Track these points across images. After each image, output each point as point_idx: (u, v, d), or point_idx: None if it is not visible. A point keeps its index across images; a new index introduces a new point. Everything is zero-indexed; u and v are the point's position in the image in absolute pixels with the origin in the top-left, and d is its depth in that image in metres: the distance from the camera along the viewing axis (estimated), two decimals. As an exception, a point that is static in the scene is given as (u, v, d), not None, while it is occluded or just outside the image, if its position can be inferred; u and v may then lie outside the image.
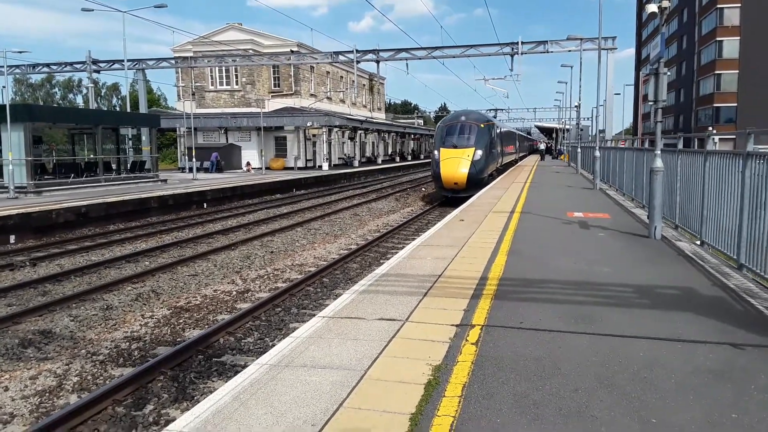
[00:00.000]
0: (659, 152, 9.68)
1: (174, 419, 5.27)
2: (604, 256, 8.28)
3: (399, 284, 6.62)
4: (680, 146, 10.42)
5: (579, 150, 33.01)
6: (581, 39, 31.42)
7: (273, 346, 6.39)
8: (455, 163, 22.47)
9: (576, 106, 37.70)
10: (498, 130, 28.43)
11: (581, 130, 39.34)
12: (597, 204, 15.41)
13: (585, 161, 31.00)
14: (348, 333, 4.95)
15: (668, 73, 9.47)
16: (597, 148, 22.56)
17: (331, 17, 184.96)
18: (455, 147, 22.97)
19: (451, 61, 34.71)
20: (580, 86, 45.22)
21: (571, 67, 39.10)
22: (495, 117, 42.34)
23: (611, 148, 22.07)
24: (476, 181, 22.52)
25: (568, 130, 59.43)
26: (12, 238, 15.41)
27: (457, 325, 5.13)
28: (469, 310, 5.59)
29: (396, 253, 8.77)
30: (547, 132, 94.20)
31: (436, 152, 23.74)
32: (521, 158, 55.53)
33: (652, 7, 9.33)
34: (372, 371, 4.14)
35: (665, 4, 9.19)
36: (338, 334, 4.93)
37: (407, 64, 34.98)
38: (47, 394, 6.12)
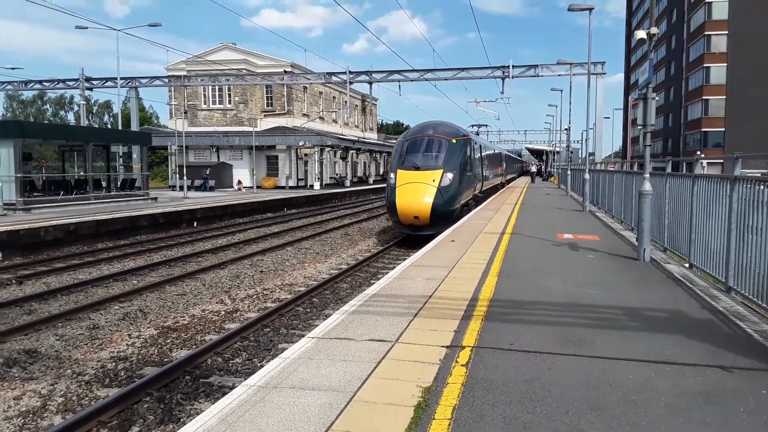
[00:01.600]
0: (648, 175, 9.78)
1: (159, 441, 5.20)
2: (594, 278, 8.30)
3: (389, 305, 6.59)
4: (669, 170, 10.53)
5: (569, 172, 33.27)
6: (571, 64, 31.85)
7: (261, 367, 6.33)
8: (416, 191, 16.66)
9: (566, 129, 38.11)
10: (477, 148, 23.14)
11: (571, 152, 39.73)
12: (586, 226, 15.49)
13: (575, 183, 31.23)
14: (337, 354, 4.91)
15: (657, 98, 9.62)
16: (586, 170, 22.73)
17: (326, 39, 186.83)
18: (417, 168, 17.24)
19: (443, 83, 35.05)
20: (570, 109, 45.82)
21: (561, 91, 39.59)
22: (478, 133, 37.50)
23: (601, 171, 22.25)
24: (444, 213, 16.87)
25: (558, 152, 59.98)
26: (-1, 256, 15.23)
27: (447, 347, 5.11)
28: (459, 331, 5.57)
29: (386, 273, 8.76)
30: (537, 154, 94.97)
31: (392, 175, 17.64)
32: (509, 181, 51.04)
33: (640, 34, 9.49)
34: (361, 393, 4.11)
35: (654, 30, 9.36)
36: (327, 355, 4.90)
37: (399, 85, 35.30)
38: (31, 415, 6.01)
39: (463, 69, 34.24)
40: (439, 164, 17.38)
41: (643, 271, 9.00)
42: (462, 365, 4.66)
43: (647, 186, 9.68)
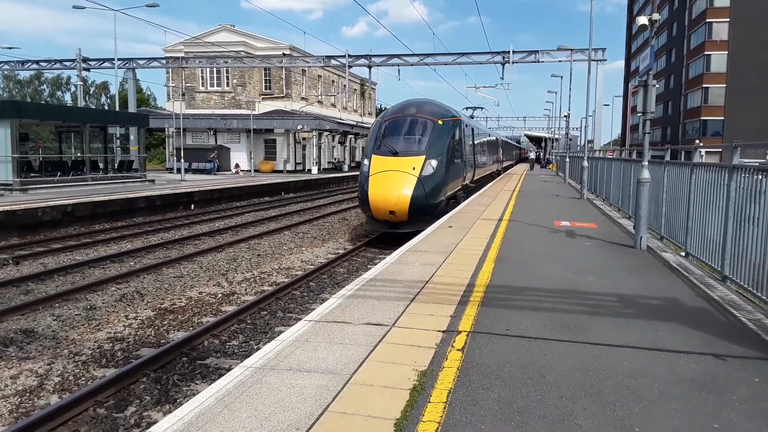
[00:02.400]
0: (647, 163, 9.78)
1: (156, 421, 5.23)
2: (590, 265, 8.33)
3: (386, 289, 6.61)
4: (667, 158, 10.53)
5: (567, 160, 33.25)
6: (572, 50, 31.71)
7: (258, 349, 6.36)
8: (392, 181, 14.28)
9: (565, 116, 38.02)
10: (469, 131, 20.48)
11: (570, 139, 39.66)
12: (584, 213, 15.52)
13: (573, 171, 31.23)
14: (334, 337, 4.93)
15: (657, 86, 9.58)
16: (585, 158, 22.73)
17: (326, 21, 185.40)
18: (395, 154, 14.81)
19: (442, 68, 35.04)
20: (569, 96, 45.63)
21: (561, 77, 39.47)
22: (473, 116, 32.54)
23: (599, 159, 22.25)
24: (426, 208, 14.41)
25: (557, 139, 59.90)
26: (-5, 236, 15.21)
27: (443, 331, 5.13)
28: (455, 316, 5.60)
29: (384, 258, 8.78)
30: (536, 141, 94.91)
31: (365, 162, 15.27)
32: (506, 168, 48.69)
33: (642, 20, 9.43)
34: (358, 376, 4.13)
35: (656, 17, 9.30)
36: (325, 338, 4.92)
37: (399, 70, 35.17)
38: (28, 394, 6.04)
39: (463, 54, 34.08)
40: (422, 149, 14.92)
41: (640, 259, 9.03)
42: (458, 350, 4.69)
43: (646, 174, 9.68)
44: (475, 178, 22.48)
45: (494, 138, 36.47)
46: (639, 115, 9.50)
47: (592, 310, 5.95)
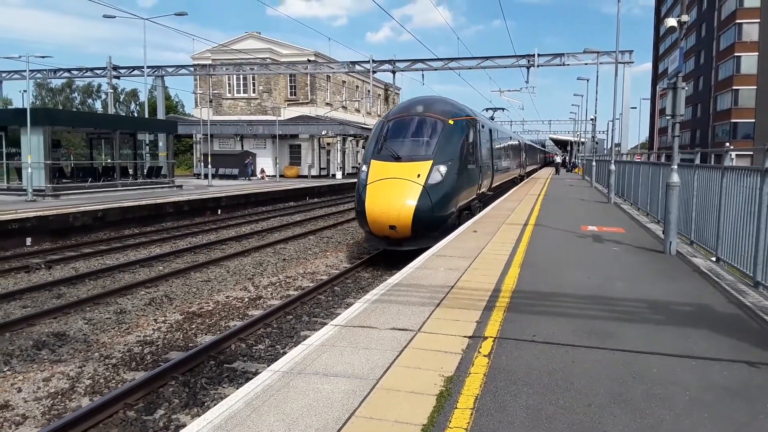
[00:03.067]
0: (676, 167, 9.62)
1: (184, 425, 5.30)
2: (618, 271, 8.22)
3: (411, 294, 6.61)
4: (697, 161, 10.34)
5: (594, 163, 32.85)
6: (598, 52, 31.38)
7: (284, 353, 6.41)
8: (393, 190, 12.34)
9: (591, 119, 37.59)
10: (487, 133, 18.35)
11: (596, 143, 39.18)
12: (611, 218, 15.31)
13: (600, 175, 30.83)
14: (360, 342, 4.95)
15: (686, 88, 9.42)
16: (612, 161, 22.43)
17: (350, 27, 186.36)
18: (398, 159, 12.88)
19: (466, 72, 34.76)
20: (596, 99, 45.20)
21: (587, 80, 39.00)
22: (493, 117, 30.46)
23: (626, 162, 21.93)
24: (433, 222, 12.47)
25: (583, 143, 59.24)
26: (28, 241, 15.60)
27: (469, 337, 5.11)
28: (481, 321, 5.57)
29: (408, 262, 8.78)
30: (561, 145, 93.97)
31: (364, 167, 13.34)
32: (530, 173, 46.14)
33: (671, 21, 9.30)
34: (384, 381, 4.14)
35: (684, 18, 9.16)
36: (350, 342, 4.94)
37: (423, 74, 35.12)
38: (59, 397, 6.17)
39: (487, 57, 33.94)
40: (429, 153, 12.98)
41: (669, 264, 8.87)
42: (484, 356, 4.67)
43: (675, 178, 9.52)
44: (494, 185, 20.44)
45: (516, 141, 34.48)
46: (668, 117, 9.36)
47: (620, 316, 5.87)
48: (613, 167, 21.71)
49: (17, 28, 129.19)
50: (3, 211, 16.43)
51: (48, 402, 6.04)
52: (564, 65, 32.55)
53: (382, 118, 15.07)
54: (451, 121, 13.88)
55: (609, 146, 31.46)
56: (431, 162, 12.75)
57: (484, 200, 18.28)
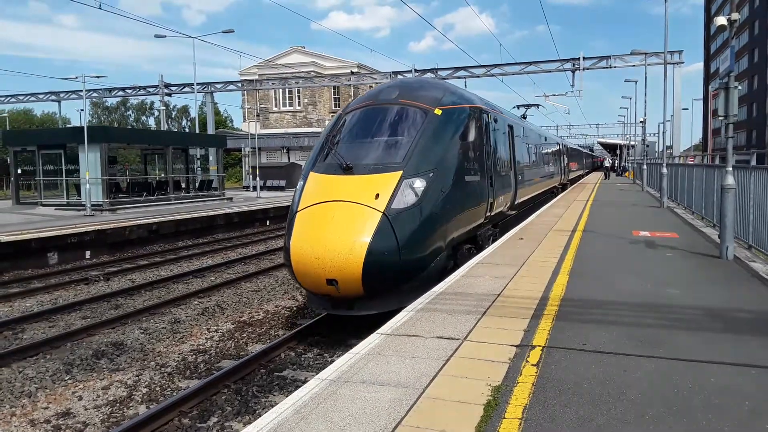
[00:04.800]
0: (731, 169, 9.28)
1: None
2: (672, 277, 7.96)
3: (456, 303, 6.58)
4: (753, 162, 9.95)
5: (645, 167, 31.98)
6: (645, 53, 30.61)
7: (332, 361, 6.47)
8: (334, 222, 7.78)
9: (641, 122, 36.63)
10: (502, 129, 13.33)
11: (647, 146, 38.10)
12: (664, 223, 14.85)
13: (651, 178, 29.98)
14: (406, 351, 4.96)
15: (739, 87, 9.10)
16: (664, 164, 21.79)
17: (393, 38, 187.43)
18: (349, 170, 8.39)
19: (510, 78, 34.48)
20: (645, 101, 43.97)
21: (635, 82, 38.04)
22: (525, 116, 23.02)
23: (679, 165, 21.26)
24: (403, 270, 7.89)
25: (633, 146, 57.74)
26: (88, 254, 16.26)
27: (517, 346, 5.05)
28: (529, 330, 5.50)
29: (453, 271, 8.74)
30: (610, 148, 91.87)
31: (300, 183, 8.89)
32: (575, 180, 40.78)
33: (721, 20, 9.02)
34: (430, 390, 4.13)
35: (735, 16, 8.87)
36: (396, 351, 4.95)
37: (465, 82, 34.99)
38: (118, 404, 6.40)
39: (531, 63, 33.62)
40: (398, 160, 8.46)
41: (726, 269, 8.55)
42: (532, 365, 4.60)
43: (730, 180, 9.18)
44: (520, 200, 15.15)
45: (555, 143, 29.00)
46: (721, 118, 9.06)
47: (675, 324, 5.69)
48: (665, 170, 21.08)
49: (75, 49, 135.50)
50: (63, 225, 17.19)
51: (107, 409, 6.27)
52: (610, 68, 31.89)
53: (340, 110, 10.33)
54: (437, 111, 9.29)
55: (660, 149, 30.57)
56: (400, 173, 8.17)
57: (505, 222, 13.81)
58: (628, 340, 5.20)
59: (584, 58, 32.07)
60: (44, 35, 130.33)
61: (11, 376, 7.30)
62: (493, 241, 11.86)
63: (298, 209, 8.18)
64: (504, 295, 6.93)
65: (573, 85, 33.29)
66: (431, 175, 8.49)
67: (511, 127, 14.68)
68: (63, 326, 9.55)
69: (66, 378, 7.23)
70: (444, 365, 4.61)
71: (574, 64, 32.28)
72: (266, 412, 4.00)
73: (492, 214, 11.51)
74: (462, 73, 34.85)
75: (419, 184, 8.25)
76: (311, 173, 8.76)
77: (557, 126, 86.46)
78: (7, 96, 47.66)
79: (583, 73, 32.49)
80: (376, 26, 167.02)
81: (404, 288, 7.95)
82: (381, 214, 7.74)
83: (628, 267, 8.73)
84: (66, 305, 10.73)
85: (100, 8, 20.35)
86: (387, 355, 4.87)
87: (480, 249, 10.81)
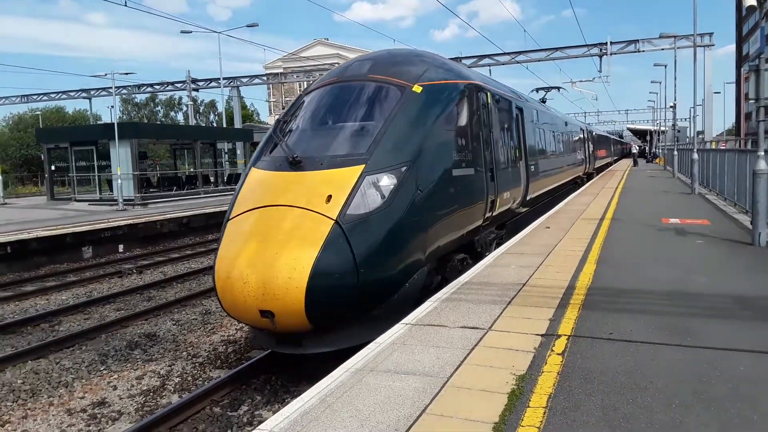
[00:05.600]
0: (762, 153, 9.06)
1: (265, 419, 5.53)
2: (703, 265, 7.84)
3: (482, 292, 6.58)
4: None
5: (675, 153, 31.34)
6: (675, 36, 29.88)
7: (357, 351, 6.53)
8: (270, 234, 6.05)
9: (671, 107, 35.86)
10: (506, 110, 11.45)
11: (678, 131, 37.30)
12: (695, 210, 14.58)
13: (682, 164, 29.37)
14: (430, 340, 4.99)
15: (772, 69, 8.85)
16: (695, 150, 21.33)
17: (417, 27, 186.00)
18: (296, 165, 6.62)
19: (536, 65, 34.07)
20: (675, 86, 42.91)
21: (665, 66, 37.17)
22: (544, 100, 21.76)
23: (711, 150, 20.78)
24: (363, 296, 6.06)
25: (663, 132, 56.58)
26: (120, 247, 16.64)
27: (542, 335, 5.05)
28: (555, 319, 5.48)
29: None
30: (640, 134, 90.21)
31: (239, 183, 7.34)
32: (603, 168, 39.41)
33: (750, 1, 8.78)
34: (455, 379, 4.17)
35: (767, -5, 8.62)
36: (421, 340, 4.99)
37: (490, 70, 34.63)
38: (151, 394, 6.58)
39: (557, 49, 33.14)
40: (359, 151, 6.81)
41: (758, 256, 8.37)
42: (558, 354, 4.60)
43: (762, 165, 8.97)
44: (533, 195, 13.29)
45: (579, 129, 26.62)
46: (752, 102, 8.84)
47: (704, 313, 5.61)
48: (695, 156, 20.65)
49: (104, 47, 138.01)
50: (97, 220, 17.61)
51: (141, 399, 6.45)
52: (639, 51, 31.27)
53: (302, 92, 8.63)
54: (416, 88, 7.46)
55: (691, 134, 29.91)
56: (361, 168, 6.46)
57: (516, 220, 12.34)
58: (656, 328, 5.15)
59: (611, 43, 31.51)
60: (75, 33, 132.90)
61: (48, 367, 7.55)
62: (498, 245, 10.03)
63: (231, 215, 6.61)
64: (529, 284, 6.91)
65: (600, 71, 32.74)
66: (404, 169, 6.64)
67: (520, 110, 12.86)
68: (98, 318, 9.83)
69: (101, 368, 7.45)
70: (468, 354, 4.63)
71: (601, 49, 31.74)
72: (293, 400, 4.08)
73: (494, 213, 9.61)
74: (487, 60, 34.55)
75: (387, 180, 6.47)
76: (252, 170, 7.15)
77: (585, 113, 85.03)
78: (40, 94, 48.86)
79: (610, 58, 31.94)
80: (400, 16, 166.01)
81: (365, 318, 6.26)
82: (332, 222, 5.94)
83: (657, 255, 8.62)
84: (100, 298, 11.03)
85: (126, 5, 20.62)
86: (411, 344, 4.91)
87: (479, 257, 9.00)
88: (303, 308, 5.69)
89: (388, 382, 4.14)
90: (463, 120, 8.47)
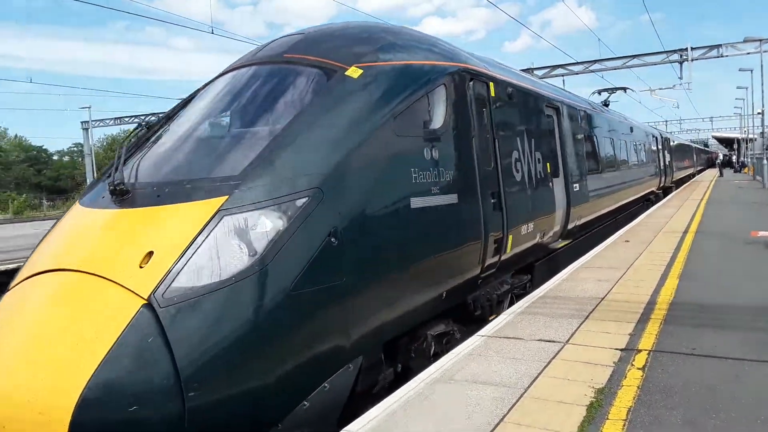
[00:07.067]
0: None
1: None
2: (795, 280, 7.46)
3: (557, 306, 6.57)
4: None
5: (765, 161, 29.61)
6: (761, 40, 28.34)
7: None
8: (38, 327, 3.55)
9: (759, 113, 33.96)
10: (530, 110, 8.73)
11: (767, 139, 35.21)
12: (788, 222, 13.77)
13: (774, 174, 27.73)
14: (507, 352, 5.06)
15: None
16: (787, 158, 20.13)
17: (488, 39, 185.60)
18: (124, 199, 4.25)
19: (611, 73, 33.06)
20: (762, 91, 40.51)
21: (751, 71, 35.29)
22: (606, 104, 19.61)
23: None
24: None
25: (752, 139, 53.56)
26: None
27: (621, 349, 5.01)
28: (635, 334, 5.41)
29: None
30: (727, 143, 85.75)
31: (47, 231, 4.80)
32: (682, 181, 35.81)
33: None
34: (532, 390, 4.23)
35: None
36: (497, 352, 5.07)
37: (564, 80, 33.96)
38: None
39: (633, 56, 32.07)
40: (226, 171, 4.36)
41: None
42: (638, 368, 4.56)
43: None
44: (578, 222, 10.71)
45: (649, 136, 22.86)
46: None
47: (795, 329, 5.38)
48: (788, 165, 19.49)
49: (189, 71, 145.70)
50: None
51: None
52: (722, 56, 29.81)
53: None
54: (353, 72, 5.13)
55: (783, 142, 28.22)
56: (218, 202, 4.06)
57: (555, 260, 9.91)
58: (742, 345, 5.00)
59: (692, 48, 30.21)
60: (160, 58, 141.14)
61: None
62: (518, 299, 7.38)
63: (12, 284, 4.23)
64: (608, 299, 6.83)
65: (681, 77, 31.44)
66: (304, 201, 4.20)
67: (556, 110, 10.02)
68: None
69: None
70: (545, 367, 4.67)
71: (681, 56, 30.46)
72: (374, 406, 4.26)
73: (503, 257, 6.98)
74: (560, 71, 33.88)
75: (267, 222, 4.04)
76: (75, 204, 4.88)
77: (666, 121, 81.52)
78: (131, 116, 52.14)
79: (692, 64, 30.63)
80: (470, 29, 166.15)
81: None
82: (141, 302, 3.57)
83: (744, 270, 8.27)
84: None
85: (212, 33, 21.83)
86: (488, 355, 5.00)
87: (480, 322, 6.48)
88: None
89: (465, 390, 4.26)
90: (440, 120, 5.82)
